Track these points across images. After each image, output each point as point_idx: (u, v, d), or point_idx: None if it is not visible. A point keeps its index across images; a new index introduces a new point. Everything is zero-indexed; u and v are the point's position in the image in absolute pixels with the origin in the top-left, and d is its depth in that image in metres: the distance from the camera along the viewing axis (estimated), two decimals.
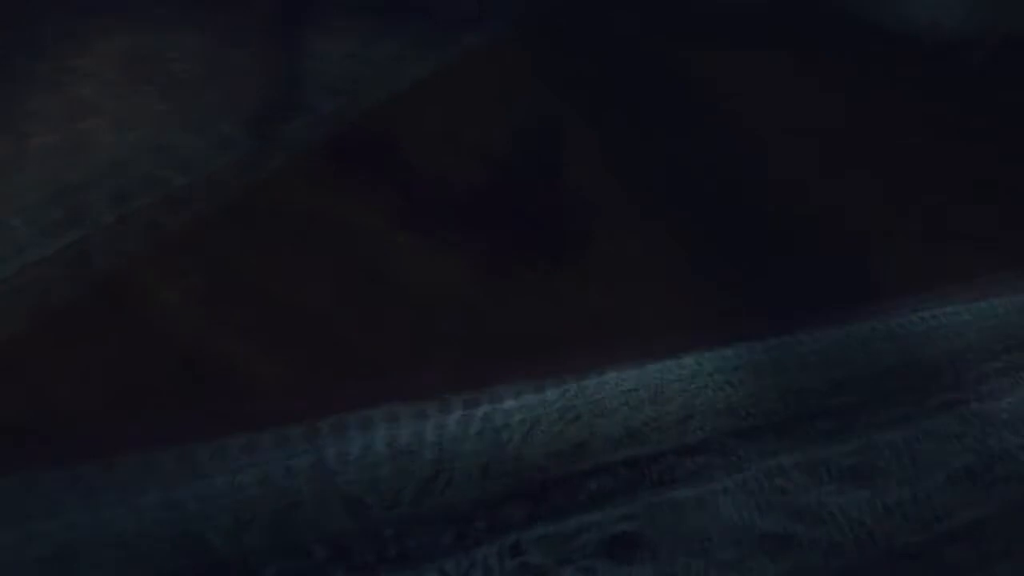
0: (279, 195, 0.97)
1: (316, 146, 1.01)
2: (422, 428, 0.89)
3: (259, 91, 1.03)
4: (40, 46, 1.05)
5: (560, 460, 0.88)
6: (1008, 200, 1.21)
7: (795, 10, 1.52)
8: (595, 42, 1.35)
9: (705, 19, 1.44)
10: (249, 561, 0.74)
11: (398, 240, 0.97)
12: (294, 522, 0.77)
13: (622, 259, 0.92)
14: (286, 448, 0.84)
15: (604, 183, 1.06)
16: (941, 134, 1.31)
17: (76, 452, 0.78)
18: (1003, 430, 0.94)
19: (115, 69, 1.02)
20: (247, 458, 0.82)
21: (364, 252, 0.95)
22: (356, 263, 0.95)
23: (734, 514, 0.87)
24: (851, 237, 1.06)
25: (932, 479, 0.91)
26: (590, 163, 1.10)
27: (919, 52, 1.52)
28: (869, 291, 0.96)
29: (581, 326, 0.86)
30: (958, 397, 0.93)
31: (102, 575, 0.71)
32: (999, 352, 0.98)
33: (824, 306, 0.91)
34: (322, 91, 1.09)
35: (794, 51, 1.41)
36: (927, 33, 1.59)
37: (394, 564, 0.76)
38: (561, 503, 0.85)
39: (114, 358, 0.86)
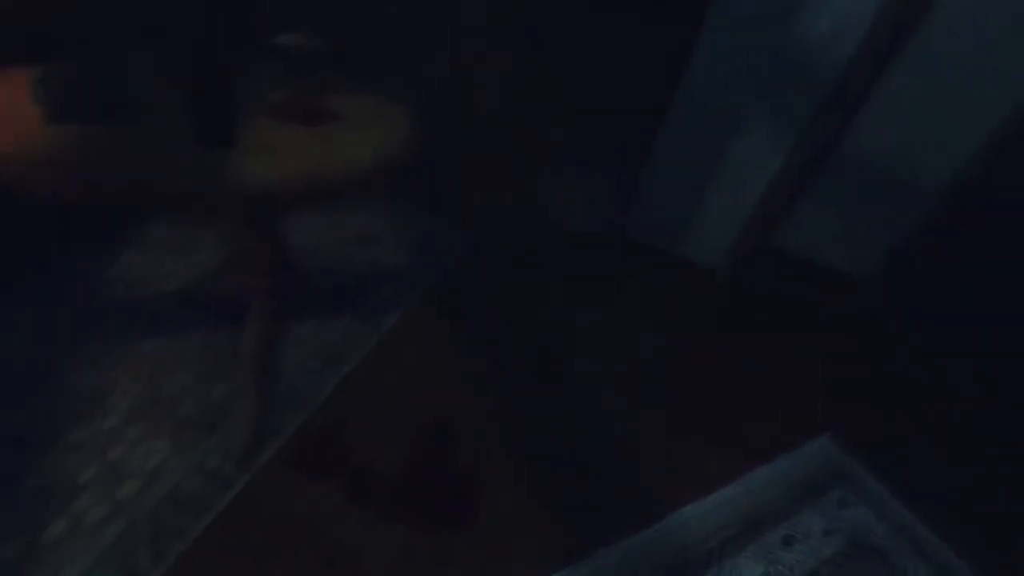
0: (256, 506, 1.38)
1: (283, 456, 1.46)
2: None
3: (240, 423, 1.49)
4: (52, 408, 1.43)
5: None
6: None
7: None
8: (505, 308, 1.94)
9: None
10: None
11: (351, 515, 1.41)
12: None
13: (500, 518, 1.42)
14: None
15: (492, 457, 1.56)
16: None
17: None
18: None
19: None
20: None
21: (323, 532, 1.36)
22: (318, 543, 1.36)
23: None
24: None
25: None
26: (483, 441, 1.61)
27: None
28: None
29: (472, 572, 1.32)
30: None
31: None
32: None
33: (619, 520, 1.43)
34: (287, 407, 1.57)
35: None
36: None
37: None
38: None
39: None
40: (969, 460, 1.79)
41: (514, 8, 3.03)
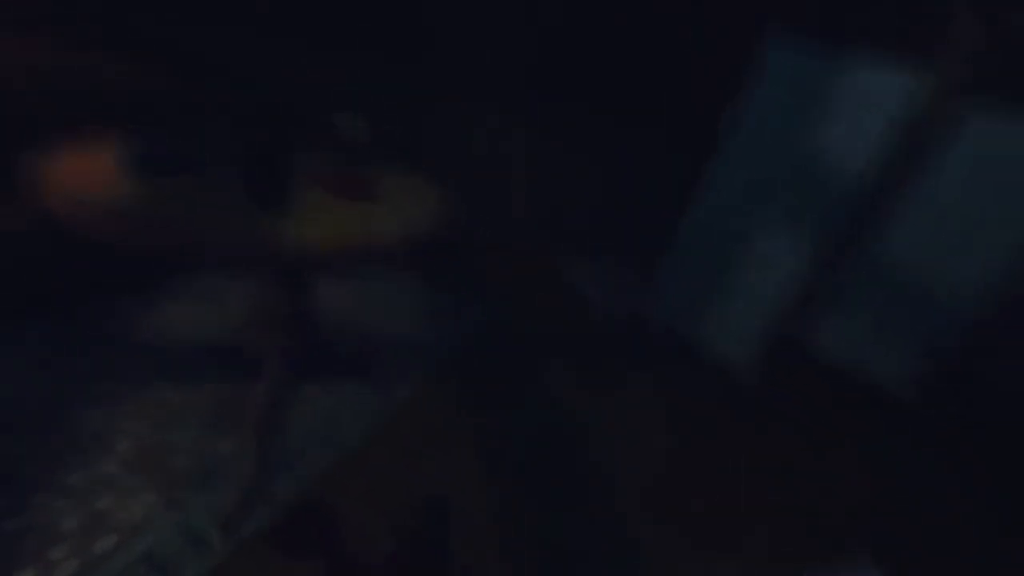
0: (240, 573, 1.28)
1: (269, 526, 1.38)
2: None
3: (233, 485, 1.44)
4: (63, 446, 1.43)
5: None
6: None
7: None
8: (512, 391, 1.90)
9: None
10: None
11: None
12: None
13: None
14: None
15: (488, 558, 1.44)
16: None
17: None
18: None
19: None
20: None
21: None
22: None
23: None
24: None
25: None
26: (479, 536, 1.50)
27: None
28: None
29: None
30: None
31: None
32: None
33: None
34: (283, 473, 1.51)
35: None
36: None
37: None
38: None
39: None
40: None
41: (542, 113, 3.33)
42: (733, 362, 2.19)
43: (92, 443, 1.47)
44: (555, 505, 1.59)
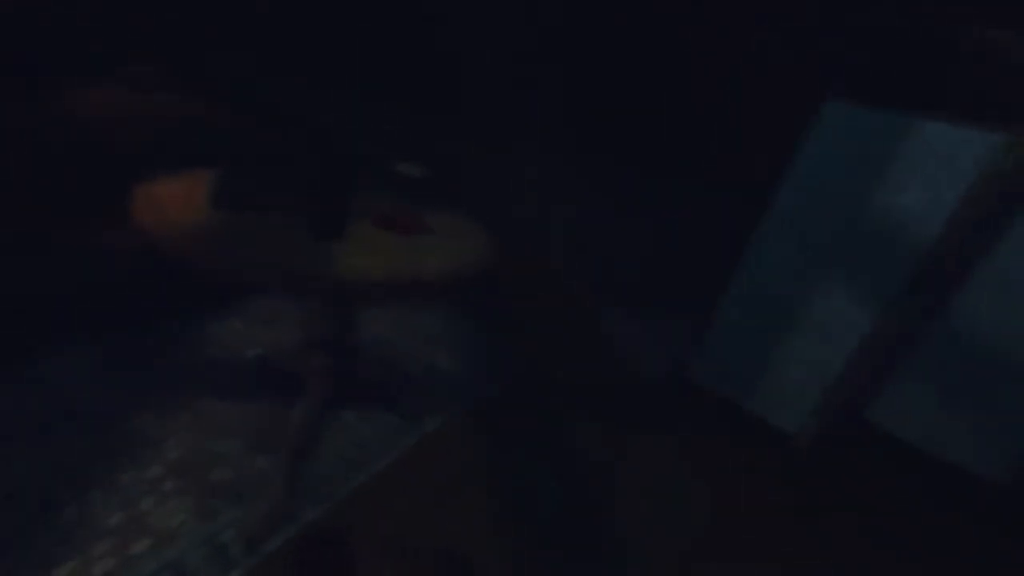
0: None
1: (289, 547, 1.39)
2: None
3: (263, 502, 1.48)
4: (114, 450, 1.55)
5: None
6: None
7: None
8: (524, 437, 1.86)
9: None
10: None
11: None
12: None
13: None
14: None
15: None
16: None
17: None
18: None
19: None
20: None
21: None
22: None
23: None
24: None
25: None
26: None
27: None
28: None
29: None
30: None
31: None
32: None
33: None
34: (309, 495, 1.54)
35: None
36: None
37: None
38: None
39: None
40: None
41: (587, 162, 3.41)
42: (784, 430, 2.04)
43: (144, 448, 1.57)
44: (580, 571, 1.50)
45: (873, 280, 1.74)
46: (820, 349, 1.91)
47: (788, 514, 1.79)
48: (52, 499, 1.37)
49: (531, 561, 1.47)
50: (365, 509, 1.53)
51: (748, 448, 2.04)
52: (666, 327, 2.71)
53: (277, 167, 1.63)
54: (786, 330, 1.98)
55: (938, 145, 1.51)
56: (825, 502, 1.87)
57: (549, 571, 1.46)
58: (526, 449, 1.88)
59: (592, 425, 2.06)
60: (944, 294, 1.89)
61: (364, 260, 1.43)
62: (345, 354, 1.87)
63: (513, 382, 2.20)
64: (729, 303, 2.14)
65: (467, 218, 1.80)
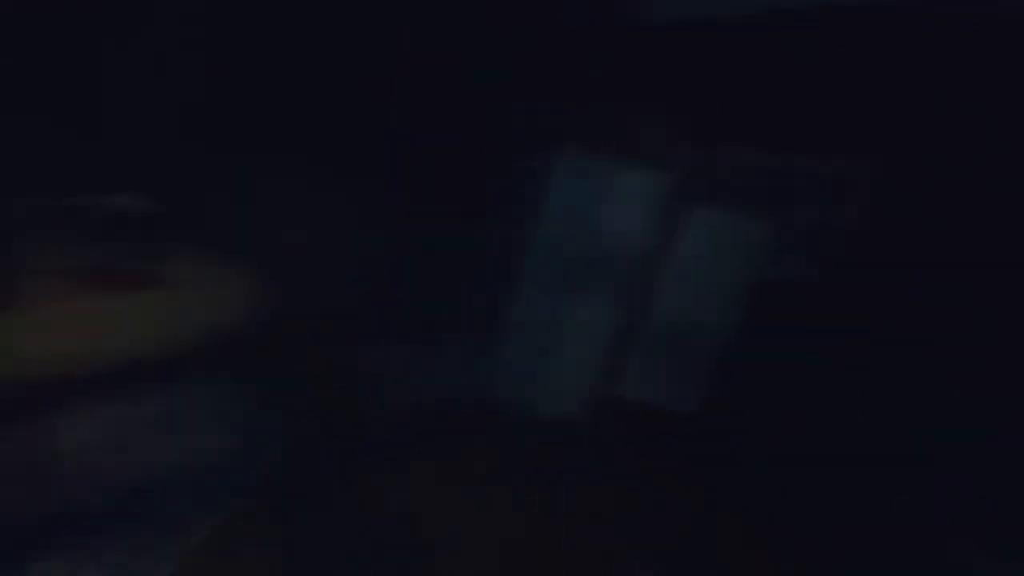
0: None
1: None
2: None
3: None
4: None
5: None
6: None
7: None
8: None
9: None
10: None
11: None
12: None
13: None
14: None
15: None
16: None
17: None
18: None
19: None
20: None
21: None
22: None
23: None
24: None
25: None
26: None
27: None
28: None
29: None
30: None
31: None
32: None
33: None
34: None
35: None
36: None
37: None
38: None
39: None
40: None
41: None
42: (560, 423, 2.29)
43: None
44: None
45: (602, 285, 2.20)
46: (575, 347, 2.32)
47: (579, 486, 1.90)
48: None
49: None
50: None
51: (528, 449, 2.13)
52: (425, 354, 2.63)
53: None
54: (556, 336, 2.33)
55: (619, 185, 2.08)
56: (605, 468, 2.07)
57: None
58: (319, 523, 1.50)
59: (371, 471, 1.81)
60: (644, 289, 2.37)
61: (51, 338, 1.06)
62: (39, 483, 1.22)
63: (285, 456, 1.71)
64: (502, 321, 2.37)
65: (225, 261, 1.49)
